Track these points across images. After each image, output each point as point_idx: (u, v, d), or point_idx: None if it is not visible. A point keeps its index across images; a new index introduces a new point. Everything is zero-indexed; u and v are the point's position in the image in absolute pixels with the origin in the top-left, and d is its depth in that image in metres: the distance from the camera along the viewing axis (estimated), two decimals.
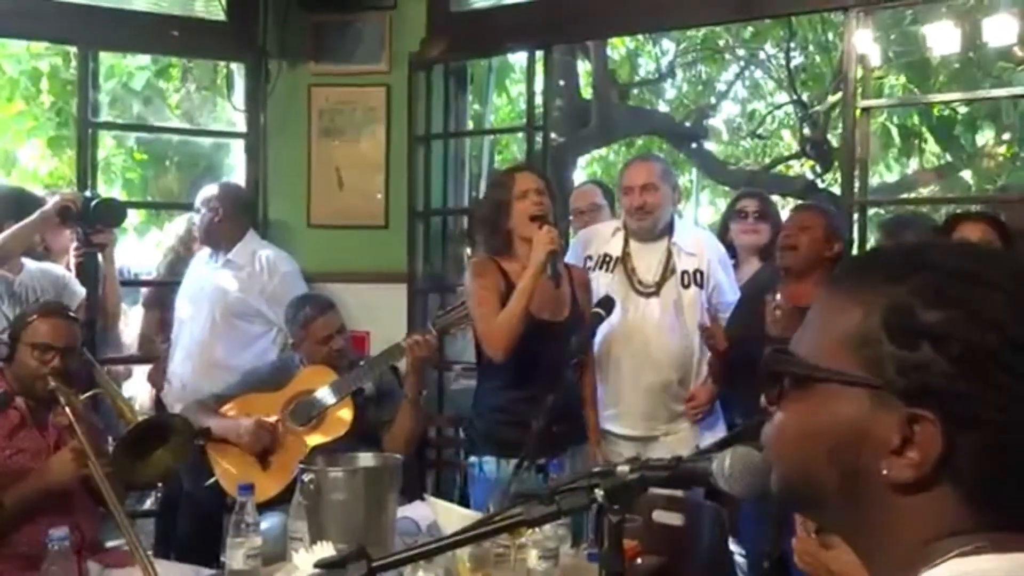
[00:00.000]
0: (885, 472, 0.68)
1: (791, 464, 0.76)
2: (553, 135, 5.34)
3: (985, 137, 6.83)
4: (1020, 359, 0.65)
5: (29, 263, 3.43)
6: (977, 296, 0.67)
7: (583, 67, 7.86)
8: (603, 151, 9.05)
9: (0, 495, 2.27)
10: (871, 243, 3.57)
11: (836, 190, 6.11)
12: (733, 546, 2.98)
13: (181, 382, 3.56)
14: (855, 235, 3.26)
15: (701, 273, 3.01)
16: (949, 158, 7.35)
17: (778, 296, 2.74)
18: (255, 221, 3.84)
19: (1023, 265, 0.71)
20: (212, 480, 2.95)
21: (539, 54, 3.88)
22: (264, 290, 3.55)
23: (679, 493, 2.64)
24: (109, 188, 6.54)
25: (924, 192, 7.51)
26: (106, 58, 5.79)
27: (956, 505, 0.68)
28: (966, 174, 7.22)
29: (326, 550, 1.92)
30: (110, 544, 2.66)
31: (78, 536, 2.32)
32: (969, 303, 0.67)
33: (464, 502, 3.00)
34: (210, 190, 3.71)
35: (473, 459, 2.82)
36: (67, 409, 2.33)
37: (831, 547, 1.52)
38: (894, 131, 6.54)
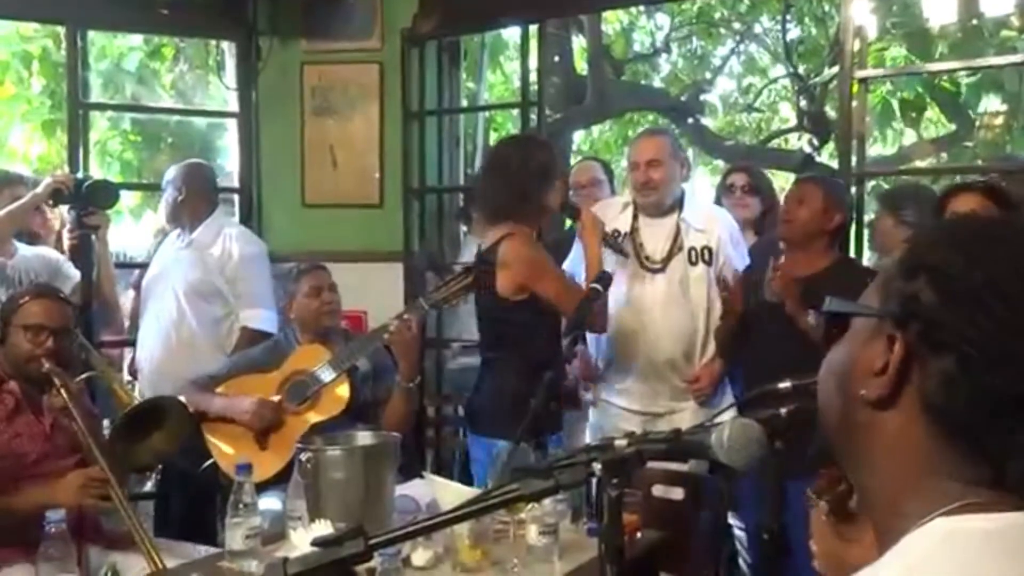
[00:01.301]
0: (863, 392, 0.74)
1: (821, 403, 0.82)
2: (548, 111, 5.29)
3: (990, 106, 6.79)
4: (1000, 303, 0.69)
5: (23, 247, 3.41)
6: (979, 244, 0.73)
7: (578, 42, 7.82)
8: (598, 127, 9.00)
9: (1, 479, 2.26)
10: (869, 215, 3.55)
11: (834, 163, 6.09)
12: (732, 520, 2.99)
13: (149, 365, 3.52)
14: (853, 207, 3.25)
15: (710, 250, 2.98)
16: (953, 127, 7.31)
17: (780, 259, 2.75)
18: (217, 200, 3.74)
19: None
20: (210, 462, 2.94)
21: (533, 29, 3.85)
22: (223, 270, 3.50)
23: (679, 467, 2.64)
24: (104, 170, 6.51)
25: (923, 163, 7.48)
26: (98, 39, 5.75)
27: (927, 435, 0.71)
28: (972, 144, 7.18)
29: (324, 528, 1.92)
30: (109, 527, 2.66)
31: (78, 518, 2.31)
32: (971, 249, 0.73)
33: (466, 480, 3.00)
34: (173, 170, 3.67)
35: (482, 439, 2.81)
36: (62, 391, 2.32)
37: (850, 541, 1.50)
38: (895, 104, 6.49)
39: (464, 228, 4.28)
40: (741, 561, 3.09)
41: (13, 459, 2.32)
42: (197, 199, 3.59)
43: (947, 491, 0.70)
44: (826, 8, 7.67)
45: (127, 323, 3.98)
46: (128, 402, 2.55)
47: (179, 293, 3.49)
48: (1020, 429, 0.69)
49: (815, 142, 7.85)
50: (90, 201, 3.34)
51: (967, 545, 0.67)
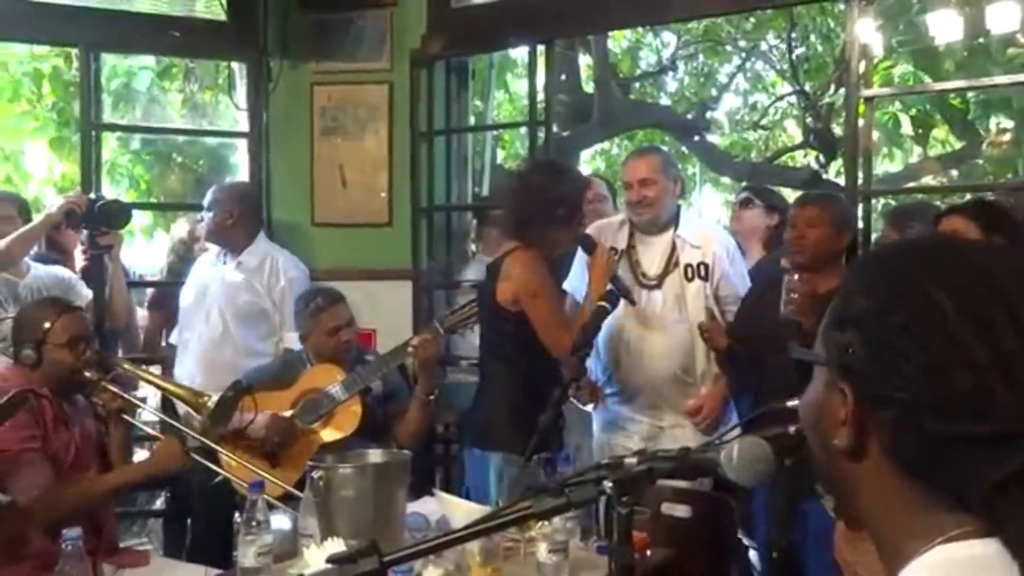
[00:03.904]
0: (836, 442, 0.76)
1: (810, 446, 0.84)
2: (555, 129, 5.33)
3: (997, 124, 6.80)
4: (917, 347, 0.71)
5: (36, 266, 3.44)
6: (892, 286, 0.74)
7: (584, 61, 7.86)
8: (605, 145, 9.05)
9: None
10: (876, 233, 3.57)
11: (841, 180, 6.10)
12: (745, 539, 2.99)
13: (190, 383, 3.56)
14: (860, 225, 3.26)
15: (706, 266, 3.00)
16: (958, 146, 7.32)
17: (795, 276, 2.72)
18: (262, 222, 3.82)
19: (947, 257, 0.77)
20: (220, 478, 2.95)
21: (540, 48, 3.88)
22: (271, 293, 3.55)
23: (686, 485, 2.65)
24: (116, 190, 6.57)
25: (931, 181, 7.49)
26: (109, 59, 5.81)
27: (902, 479, 0.73)
28: (981, 162, 7.19)
29: (337, 546, 1.93)
30: (124, 544, 2.69)
31: (96, 538, 2.36)
32: (885, 294, 0.74)
33: (459, 494, 3.02)
34: (223, 190, 3.67)
35: (476, 452, 2.86)
36: (111, 388, 2.42)
37: (863, 545, 1.51)
38: (906, 121, 6.50)
39: (473, 247, 4.31)
40: None
41: (56, 467, 2.37)
42: (247, 221, 3.60)
43: (940, 523, 0.71)
44: (831, 25, 7.70)
45: (143, 342, 4.02)
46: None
47: (226, 315, 3.50)
48: (974, 464, 0.69)
49: (822, 159, 7.88)
50: (103, 221, 3.38)
51: (962, 573, 0.69)
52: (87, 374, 2.44)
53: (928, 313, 0.71)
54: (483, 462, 2.82)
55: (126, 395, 2.47)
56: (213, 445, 2.60)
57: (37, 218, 3.46)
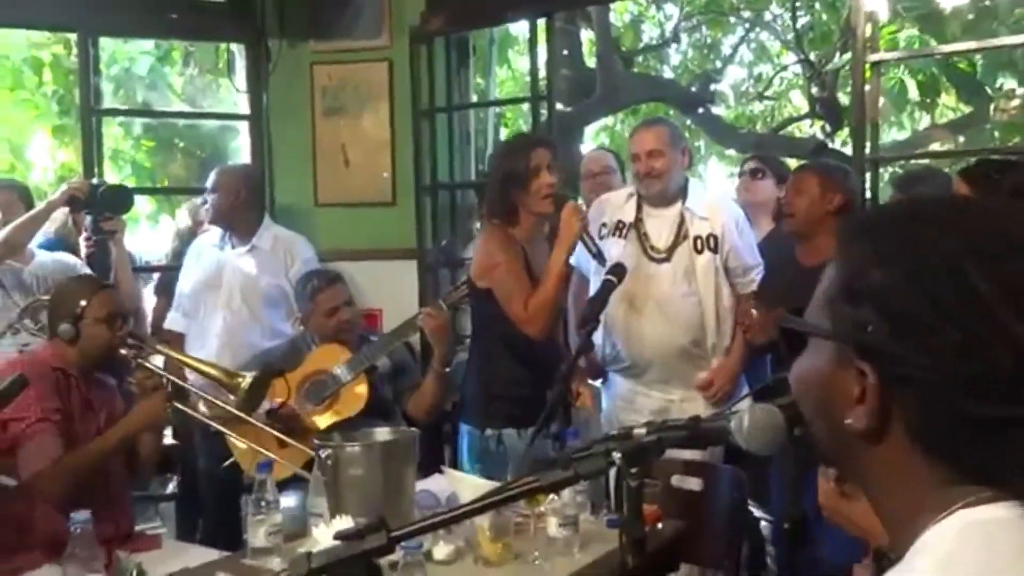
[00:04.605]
0: (849, 421, 0.72)
1: (806, 416, 0.81)
2: (558, 105, 5.29)
3: (1005, 85, 6.72)
4: (947, 321, 0.66)
5: (40, 252, 3.44)
6: (916, 258, 0.69)
7: (586, 36, 7.79)
8: (609, 120, 8.98)
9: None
10: (884, 200, 3.54)
11: (847, 150, 6.05)
12: (757, 511, 2.98)
13: None
14: (867, 193, 3.23)
15: (715, 238, 2.97)
16: (966, 111, 7.24)
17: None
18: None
19: (972, 223, 0.72)
20: (230, 460, 2.96)
21: (541, 23, 3.84)
22: (287, 274, 3.53)
23: (697, 458, 2.65)
24: (118, 176, 6.57)
25: (938, 148, 7.41)
26: (108, 44, 5.79)
27: (924, 459, 0.70)
28: (989, 127, 7.11)
29: (346, 524, 1.92)
30: (137, 528, 2.70)
31: (113, 527, 2.37)
32: (908, 265, 0.69)
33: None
34: (226, 172, 3.64)
35: (469, 428, 2.89)
36: (147, 365, 2.44)
37: (851, 497, 1.51)
38: (912, 86, 6.42)
39: (477, 225, 4.29)
40: (767, 555, 3.09)
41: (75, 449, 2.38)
42: (253, 203, 3.59)
43: (958, 494, 0.69)
44: None
45: (150, 327, 4.00)
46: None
47: (250, 299, 3.48)
48: (1008, 444, 0.67)
49: (828, 128, 7.81)
50: (105, 206, 3.36)
51: (986, 533, 0.66)
52: (123, 351, 2.46)
53: (959, 286, 0.67)
54: (470, 437, 2.87)
55: (162, 372, 2.47)
56: (250, 419, 2.61)
57: (39, 205, 3.45)
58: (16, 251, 3.30)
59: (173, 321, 3.65)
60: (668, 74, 9.08)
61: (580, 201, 3.37)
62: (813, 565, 2.34)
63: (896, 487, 0.72)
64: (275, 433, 2.71)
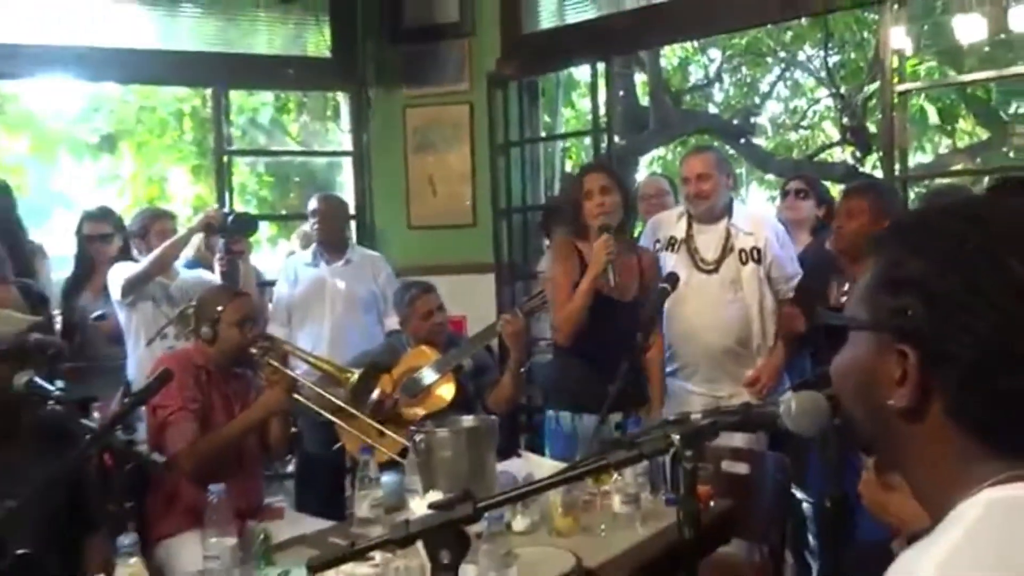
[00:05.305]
0: (891, 402, 0.69)
1: (844, 404, 0.78)
2: (616, 138, 5.25)
3: (1020, 110, 6.44)
4: (984, 302, 0.64)
5: (183, 271, 3.55)
6: (951, 248, 0.67)
7: (640, 78, 7.74)
8: (661, 150, 8.89)
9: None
10: None
11: (876, 173, 5.86)
12: (799, 493, 2.89)
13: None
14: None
15: (758, 250, 2.92)
16: (984, 136, 6.95)
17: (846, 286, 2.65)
18: None
19: (1000, 215, 0.69)
20: (338, 445, 3.00)
21: (600, 67, 3.83)
22: (378, 283, 3.61)
23: (745, 444, 2.58)
24: (245, 206, 6.77)
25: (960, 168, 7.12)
26: (236, 97, 5.99)
27: (961, 435, 0.67)
28: (1006, 150, 6.81)
29: (437, 497, 1.93)
30: (266, 501, 2.75)
31: (245, 500, 2.41)
32: (944, 255, 0.67)
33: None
34: (332, 198, 3.69)
35: (550, 413, 2.88)
36: (273, 363, 2.46)
37: (892, 488, 1.44)
38: (932, 111, 6.20)
39: (546, 241, 4.28)
40: (808, 532, 2.99)
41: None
42: (348, 225, 3.69)
43: (992, 470, 0.65)
44: (865, 35, 7.40)
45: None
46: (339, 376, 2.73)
47: (354, 305, 3.55)
48: None
49: (857, 154, 7.57)
50: (235, 231, 3.46)
51: (1010, 509, 0.63)
52: (253, 350, 2.50)
53: (993, 269, 0.64)
54: (558, 422, 2.85)
55: (286, 369, 2.50)
56: (352, 411, 2.63)
57: (181, 230, 3.56)
58: (165, 269, 3.41)
59: (272, 331, 3.71)
60: (713, 109, 8.93)
61: (640, 221, 3.34)
62: (852, 541, 2.25)
63: (932, 464, 0.69)
64: (374, 424, 2.72)
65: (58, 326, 3.51)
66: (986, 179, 3.93)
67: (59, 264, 3.85)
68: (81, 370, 3.43)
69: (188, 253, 3.83)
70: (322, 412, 2.72)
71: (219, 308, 2.50)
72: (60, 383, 2.27)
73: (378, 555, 1.64)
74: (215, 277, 3.54)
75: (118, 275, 3.31)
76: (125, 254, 3.53)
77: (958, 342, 0.65)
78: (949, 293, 0.65)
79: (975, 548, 0.61)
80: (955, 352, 0.65)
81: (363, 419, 2.71)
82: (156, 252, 3.31)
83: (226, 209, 3.71)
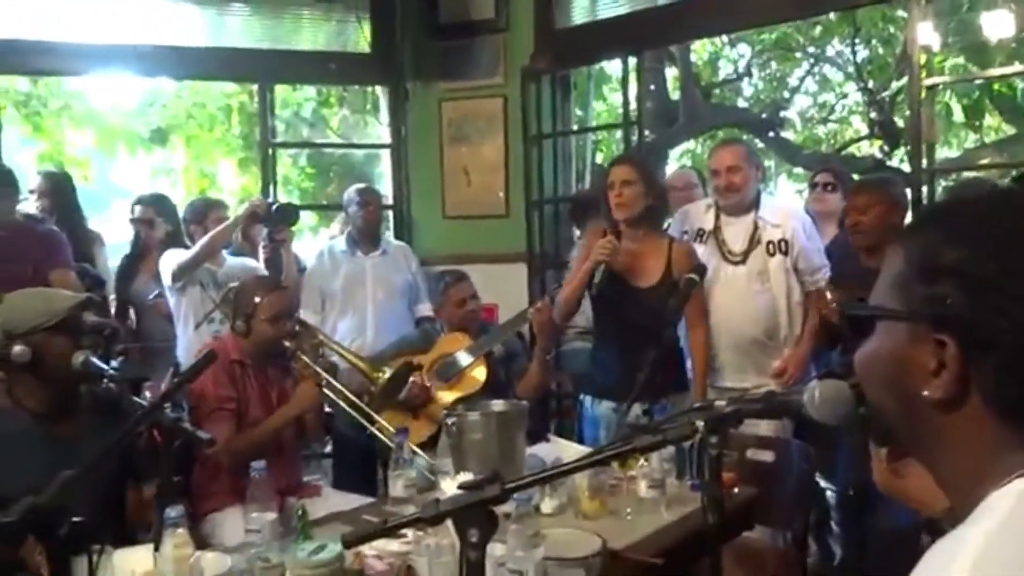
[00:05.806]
0: (926, 393, 0.66)
1: (870, 396, 0.75)
2: (646, 132, 5.20)
3: None
4: (1021, 286, 0.61)
5: (229, 258, 3.59)
6: (987, 235, 0.65)
7: (670, 72, 7.64)
8: (691, 143, 8.78)
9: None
10: None
11: (904, 167, 5.73)
12: (823, 482, 2.84)
13: (370, 349, 3.45)
14: (925, 201, 3.03)
15: (786, 242, 2.86)
16: (1008, 131, 6.75)
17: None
18: None
19: None
20: (369, 431, 3.01)
21: (631, 62, 3.78)
22: (410, 271, 3.62)
23: (770, 433, 2.54)
24: (288, 196, 6.84)
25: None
26: (280, 92, 6.04)
27: (997, 424, 0.64)
28: None
29: (468, 478, 1.93)
30: (304, 479, 2.78)
31: (285, 479, 2.42)
32: (980, 242, 0.65)
33: (581, 440, 2.99)
34: (371, 191, 3.67)
35: (583, 398, 2.90)
36: (304, 358, 2.46)
37: (903, 476, 1.40)
38: (957, 108, 6.04)
39: (576, 232, 4.26)
40: (832, 520, 2.94)
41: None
42: (383, 215, 3.68)
43: (1021, 461, 0.63)
44: (892, 30, 7.21)
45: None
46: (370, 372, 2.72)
47: (393, 292, 3.55)
48: None
49: (885, 148, 7.40)
50: (278, 220, 3.49)
51: None
52: (286, 344, 2.47)
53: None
54: (591, 408, 2.86)
55: (315, 365, 2.47)
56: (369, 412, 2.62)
57: (227, 220, 3.60)
58: (214, 255, 3.46)
59: (304, 316, 3.72)
60: (742, 104, 8.79)
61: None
62: (874, 528, 2.22)
63: (964, 454, 0.66)
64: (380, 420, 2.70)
65: (112, 310, 3.58)
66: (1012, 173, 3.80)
67: (115, 252, 3.93)
68: (135, 350, 3.50)
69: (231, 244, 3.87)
70: (355, 399, 2.68)
71: (255, 300, 2.48)
72: (115, 363, 2.33)
73: (410, 532, 1.65)
74: (259, 265, 3.58)
75: (170, 261, 3.36)
76: (173, 240, 3.58)
77: (998, 328, 0.62)
78: (989, 279, 0.63)
79: (1010, 542, 0.59)
80: (995, 339, 0.62)
81: (398, 404, 2.72)
82: (204, 239, 3.35)
83: (270, 199, 3.74)
